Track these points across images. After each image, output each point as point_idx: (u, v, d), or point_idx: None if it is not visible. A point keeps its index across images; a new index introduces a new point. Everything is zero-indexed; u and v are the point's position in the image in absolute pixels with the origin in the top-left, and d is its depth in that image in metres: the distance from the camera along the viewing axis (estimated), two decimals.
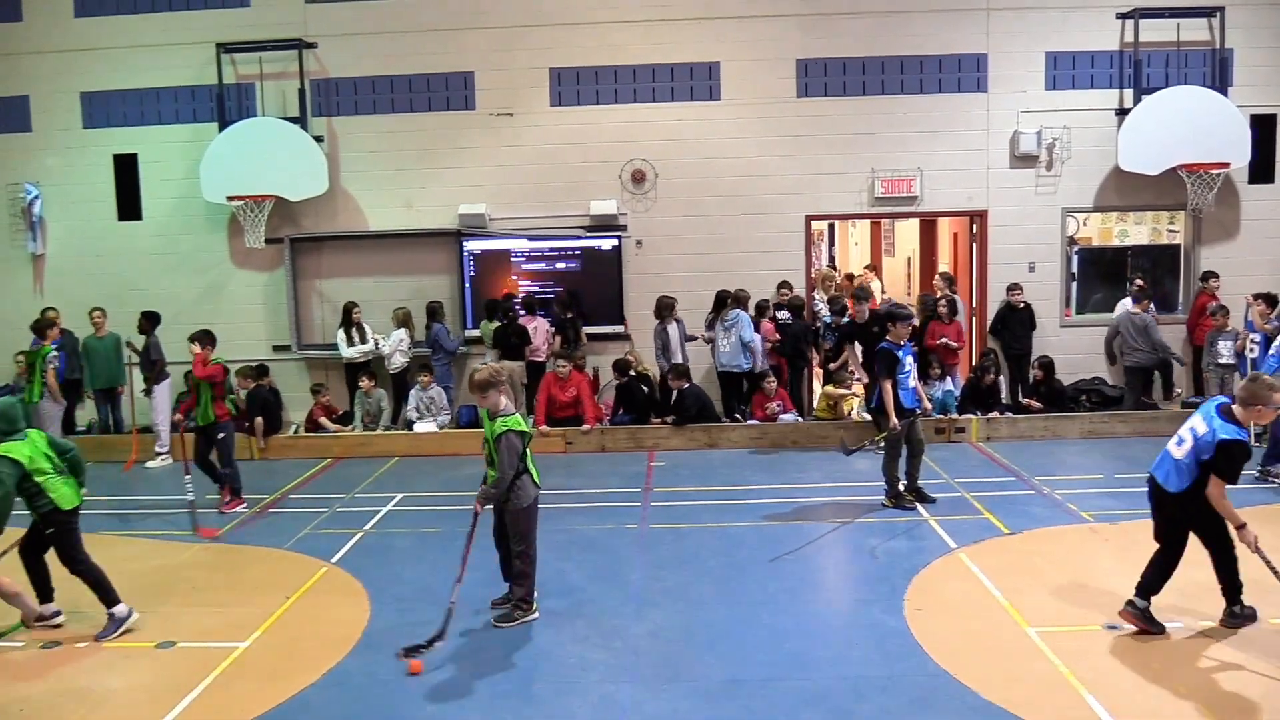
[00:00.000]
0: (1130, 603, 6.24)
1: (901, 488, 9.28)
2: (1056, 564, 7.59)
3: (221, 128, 13.32)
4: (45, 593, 6.89)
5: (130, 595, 7.46)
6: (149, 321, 12.43)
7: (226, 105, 13.45)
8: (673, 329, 12.61)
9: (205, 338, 10.07)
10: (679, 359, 12.59)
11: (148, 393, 12.24)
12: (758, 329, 12.50)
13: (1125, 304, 12.71)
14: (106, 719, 5.56)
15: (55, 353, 11.75)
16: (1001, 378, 12.73)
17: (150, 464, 12.16)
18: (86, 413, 13.28)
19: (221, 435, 9.99)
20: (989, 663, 5.90)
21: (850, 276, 18.15)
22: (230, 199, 13.06)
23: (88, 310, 12.80)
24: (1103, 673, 5.71)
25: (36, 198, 13.80)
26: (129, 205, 13.84)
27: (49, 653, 6.49)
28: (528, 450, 6.67)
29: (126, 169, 13.78)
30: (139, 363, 12.40)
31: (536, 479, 6.77)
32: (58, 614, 6.83)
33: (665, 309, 12.61)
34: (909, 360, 9.24)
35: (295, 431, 13.05)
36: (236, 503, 10.04)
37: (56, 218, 13.99)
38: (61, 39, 13.71)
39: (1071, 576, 7.28)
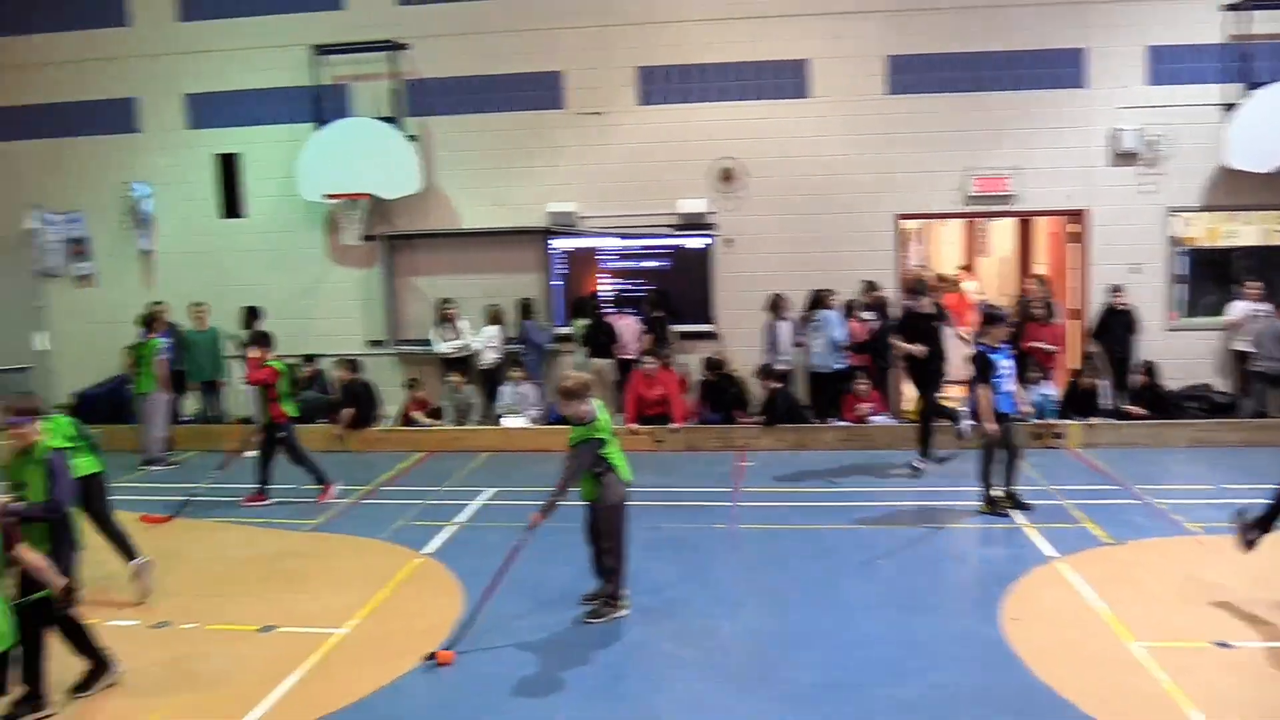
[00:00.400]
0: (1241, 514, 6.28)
1: (998, 494, 9.08)
2: (1161, 576, 7.35)
3: (318, 128, 13.65)
4: (128, 551, 7.38)
5: (233, 580, 7.74)
6: (252, 316, 12.83)
7: (322, 106, 13.77)
8: (783, 326, 12.53)
9: (261, 341, 10.29)
10: (788, 357, 12.51)
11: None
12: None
13: (1239, 306, 12.25)
14: (214, 699, 5.73)
15: (164, 344, 12.16)
16: (1103, 382, 12.37)
17: (250, 454, 12.49)
18: (191, 403, 13.72)
19: (282, 435, 10.12)
20: (1088, 676, 5.73)
21: (942, 278, 17.76)
22: (327, 197, 13.37)
23: (190, 304, 13.25)
24: (1211, 690, 5.49)
25: (146, 196, 14.32)
26: (232, 203, 14.28)
27: (158, 632, 6.73)
28: (613, 448, 6.70)
29: (229, 168, 14.22)
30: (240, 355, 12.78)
31: (626, 476, 6.78)
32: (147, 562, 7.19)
33: (777, 306, 12.53)
34: (1006, 364, 9.02)
35: (389, 425, 13.31)
36: (328, 493, 10.20)
37: (164, 215, 14.50)
38: (167, 43, 14.20)
39: (1177, 589, 7.04)
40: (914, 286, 11.13)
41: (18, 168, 14.70)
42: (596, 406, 6.77)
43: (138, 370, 12.14)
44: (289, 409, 10.22)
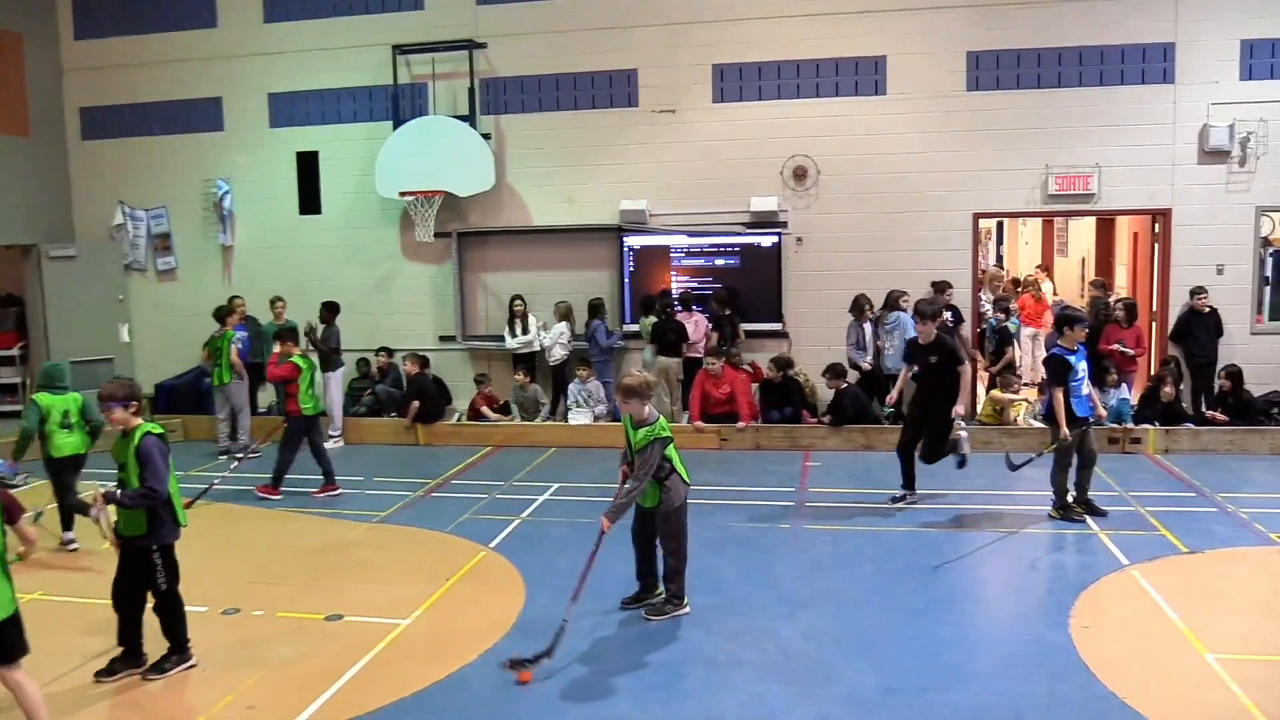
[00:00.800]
0: None
1: (1070, 499, 8.87)
2: (1240, 587, 7.12)
3: (395, 126, 13.85)
4: (65, 521, 8.45)
5: (301, 569, 7.90)
6: (329, 311, 13.12)
7: (400, 104, 13.98)
8: (868, 328, 12.42)
9: (287, 335, 10.46)
10: (869, 357, 12.42)
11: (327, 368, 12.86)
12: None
13: None
14: (279, 685, 5.86)
15: (239, 335, 12.48)
16: (1183, 387, 12.01)
17: (328, 446, 12.77)
18: (267, 395, 14.04)
19: (287, 427, 10.28)
20: (1161, 688, 5.57)
21: (1016, 281, 17.04)
22: (402, 194, 13.57)
23: (269, 299, 13.57)
24: None
25: (227, 193, 14.70)
26: (310, 200, 14.58)
27: (228, 618, 6.90)
28: (674, 450, 6.64)
29: (308, 165, 14.51)
30: (315, 349, 13.04)
31: (686, 477, 6.73)
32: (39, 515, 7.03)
33: (860, 307, 12.43)
34: (1082, 366, 8.80)
35: (458, 420, 13.47)
36: (271, 491, 10.21)
37: (244, 211, 14.87)
38: (252, 43, 14.55)
39: (1257, 601, 6.81)
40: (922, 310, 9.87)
41: (105, 165, 15.21)
42: (654, 409, 6.67)
43: (215, 362, 12.47)
44: (307, 406, 10.29)
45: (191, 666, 6.05)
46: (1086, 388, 8.83)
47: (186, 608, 6.08)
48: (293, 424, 10.28)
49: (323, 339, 12.89)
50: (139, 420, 5.91)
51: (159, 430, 5.95)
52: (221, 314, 12.67)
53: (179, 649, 6.05)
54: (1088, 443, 8.88)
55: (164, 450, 5.88)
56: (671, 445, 6.59)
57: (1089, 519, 8.74)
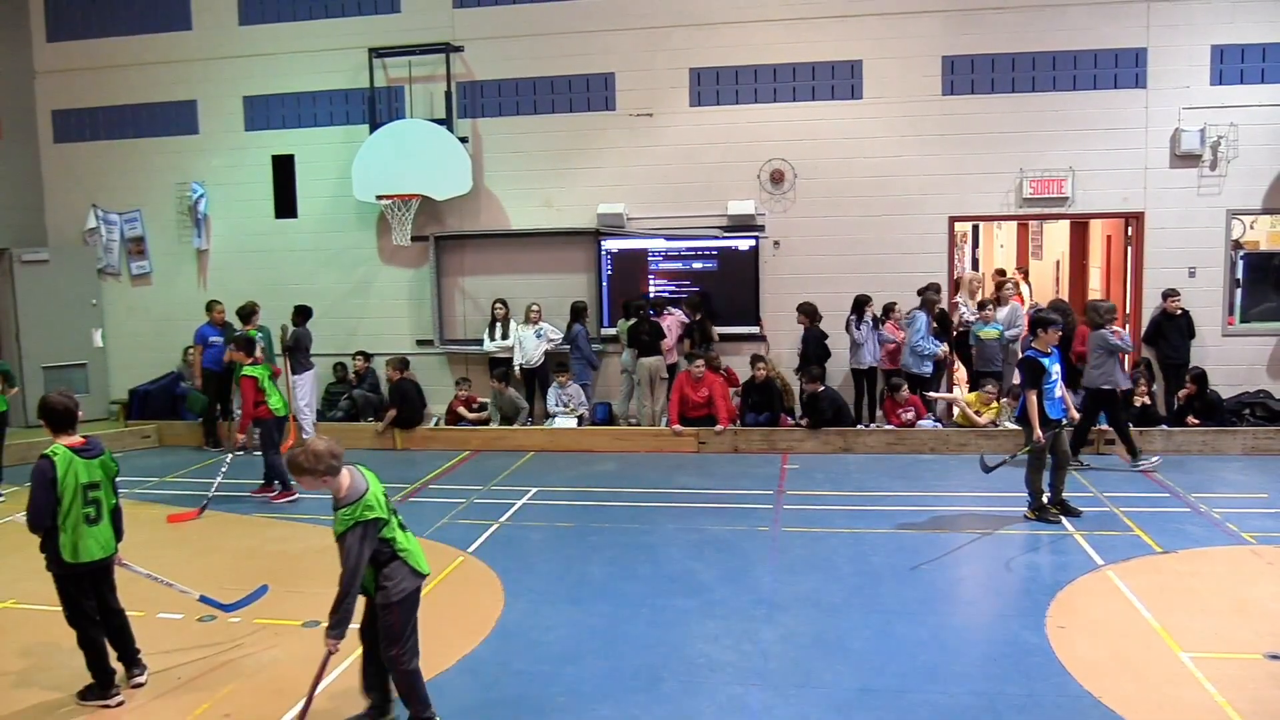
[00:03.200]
0: None
1: (1045, 500, 8.94)
2: (1213, 586, 7.19)
3: (372, 129, 13.80)
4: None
5: (278, 575, 7.81)
6: (300, 315, 13.02)
7: (377, 108, 13.93)
8: (866, 329, 12.45)
9: (241, 345, 10.51)
10: (867, 360, 12.48)
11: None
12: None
13: None
14: (256, 691, 5.82)
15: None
16: (1156, 389, 12.13)
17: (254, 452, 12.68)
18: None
19: (261, 430, 10.45)
20: (1136, 687, 5.62)
21: (1001, 272, 17.68)
22: (379, 198, 13.52)
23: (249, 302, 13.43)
24: (1261, 704, 5.36)
25: (202, 196, 14.59)
26: (286, 203, 14.50)
27: (204, 626, 6.84)
28: (396, 527, 5.28)
29: (284, 169, 14.44)
30: (284, 350, 12.98)
31: (418, 564, 5.29)
32: None
33: (860, 307, 12.46)
34: (1055, 369, 8.86)
35: (436, 424, 13.42)
36: (279, 495, 10.39)
37: (219, 215, 14.76)
38: (227, 46, 14.46)
39: (1230, 600, 6.88)
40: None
41: (78, 168, 15.08)
42: (363, 475, 5.29)
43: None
44: (277, 406, 10.42)
45: (108, 705, 5.69)
46: (1060, 390, 8.89)
47: (164, 615, 6.01)
48: (266, 426, 10.36)
49: (292, 340, 12.81)
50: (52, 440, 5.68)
51: (49, 453, 5.59)
52: (244, 314, 12.51)
53: (98, 685, 5.74)
54: (1061, 444, 8.96)
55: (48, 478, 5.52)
56: (394, 525, 5.25)
57: (1064, 520, 8.81)
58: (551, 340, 13.36)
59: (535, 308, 13.40)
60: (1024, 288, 16.58)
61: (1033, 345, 9.00)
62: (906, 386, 12.32)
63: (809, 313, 12.50)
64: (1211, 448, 11.49)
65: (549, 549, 8.55)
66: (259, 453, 10.71)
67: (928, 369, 12.33)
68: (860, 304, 12.41)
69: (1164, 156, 12.56)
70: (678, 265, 13.62)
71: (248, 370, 10.24)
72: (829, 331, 12.60)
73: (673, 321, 13.06)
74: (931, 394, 12.40)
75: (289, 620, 6.88)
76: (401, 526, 5.27)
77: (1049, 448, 8.81)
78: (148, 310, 15.03)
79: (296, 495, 10.29)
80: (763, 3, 13.14)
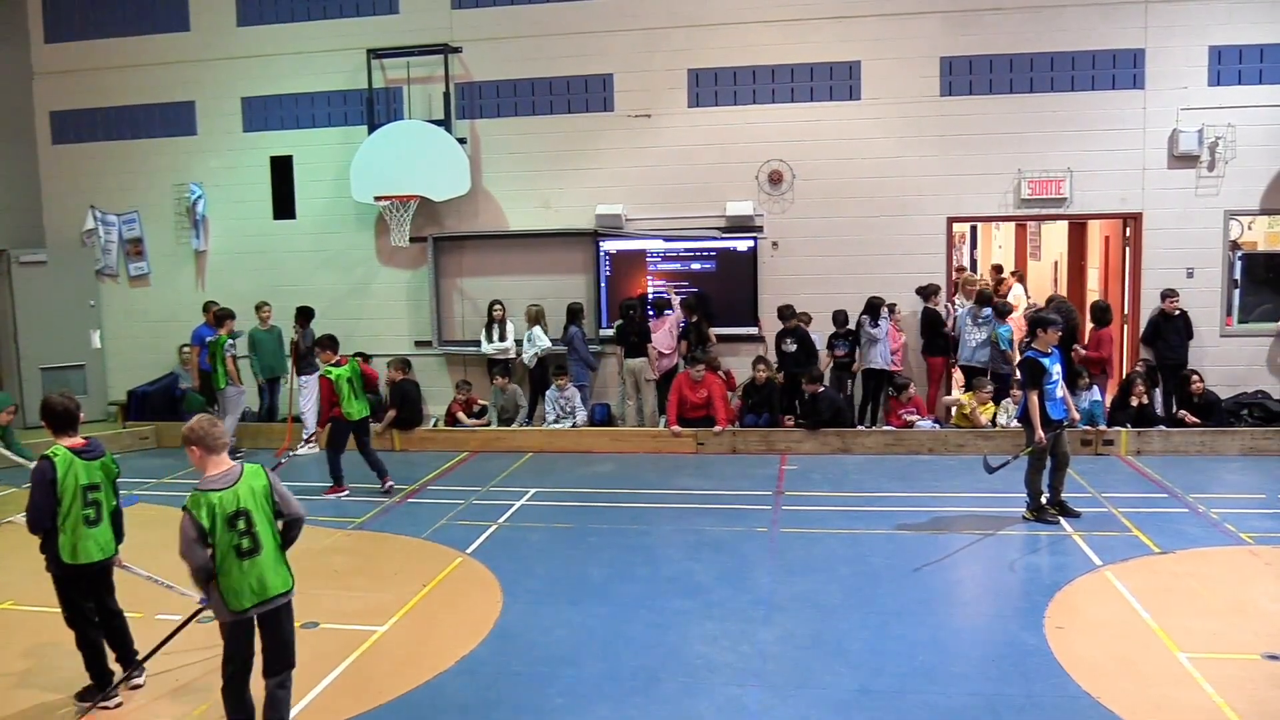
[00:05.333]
0: None
1: (1044, 501, 8.94)
2: (1211, 586, 7.20)
3: (370, 130, 13.80)
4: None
5: None
6: (303, 316, 13.03)
7: (375, 109, 13.93)
8: (880, 330, 12.46)
9: (325, 344, 10.82)
10: (878, 361, 12.50)
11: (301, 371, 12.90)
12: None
13: None
14: (255, 693, 5.80)
15: (231, 342, 12.36)
16: (1153, 389, 12.14)
17: (299, 451, 12.71)
18: (250, 401, 13.93)
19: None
20: (1134, 687, 5.63)
21: (998, 268, 17.95)
22: (378, 199, 13.52)
23: (254, 304, 13.46)
24: (1260, 705, 5.37)
25: (200, 197, 14.59)
26: (284, 204, 14.50)
27: (201, 627, 6.82)
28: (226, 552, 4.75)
29: (282, 170, 14.44)
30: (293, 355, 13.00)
31: (234, 604, 4.80)
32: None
33: (875, 308, 12.49)
34: (1056, 369, 8.84)
35: (435, 424, 13.42)
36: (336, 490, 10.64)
37: (218, 216, 14.76)
38: (225, 47, 14.45)
39: (1228, 600, 6.89)
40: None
41: (76, 170, 15.08)
42: (231, 476, 4.86)
43: (213, 367, 12.33)
44: (349, 411, 10.56)
45: (106, 706, 5.70)
46: (1061, 390, 8.89)
47: (163, 616, 6.01)
48: (338, 426, 10.61)
49: (312, 343, 12.80)
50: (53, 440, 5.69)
51: (49, 455, 5.59)
52: (219, 318, 12.49)
53: (96, 686, 5.76)
54: (1061, 445, 8.95)
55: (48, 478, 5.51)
56: (223, 542, 4.74)
57: (1063, 520, 8.81)
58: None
59: (534, 308, 13.41)
60: (1019, 288, 16.60)
61: (1033, 345, 8.95)
62: (913, 386, 12.35)
63: (797, 315, 12.65)
64: (1210, 448, 11.49)
65: (547, 550, 8.55)
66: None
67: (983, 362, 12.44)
68: (874, 306, 12.43)
69: (1162, 157, 12.57)
70: (676, 266, 13.62)
71: (328, 371, 10.46)
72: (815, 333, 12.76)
73: (670, 323, 13.05)
74: (947, 398, 12.46)
75: None
76: (239, 551, 4.76)
77: (1049, 448, 8.80)
78: (146, 311, 15.03)
79: (346, 491, 10.50)
80: (761, 4, 13.14)
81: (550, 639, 6.53)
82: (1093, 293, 15.29)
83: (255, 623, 4.87)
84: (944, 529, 8.83)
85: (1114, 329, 12.58)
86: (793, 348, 12.53)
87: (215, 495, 4.71)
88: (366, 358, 13.78)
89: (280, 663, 4.98)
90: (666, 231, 13.56)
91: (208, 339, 12.55)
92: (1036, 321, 9.10)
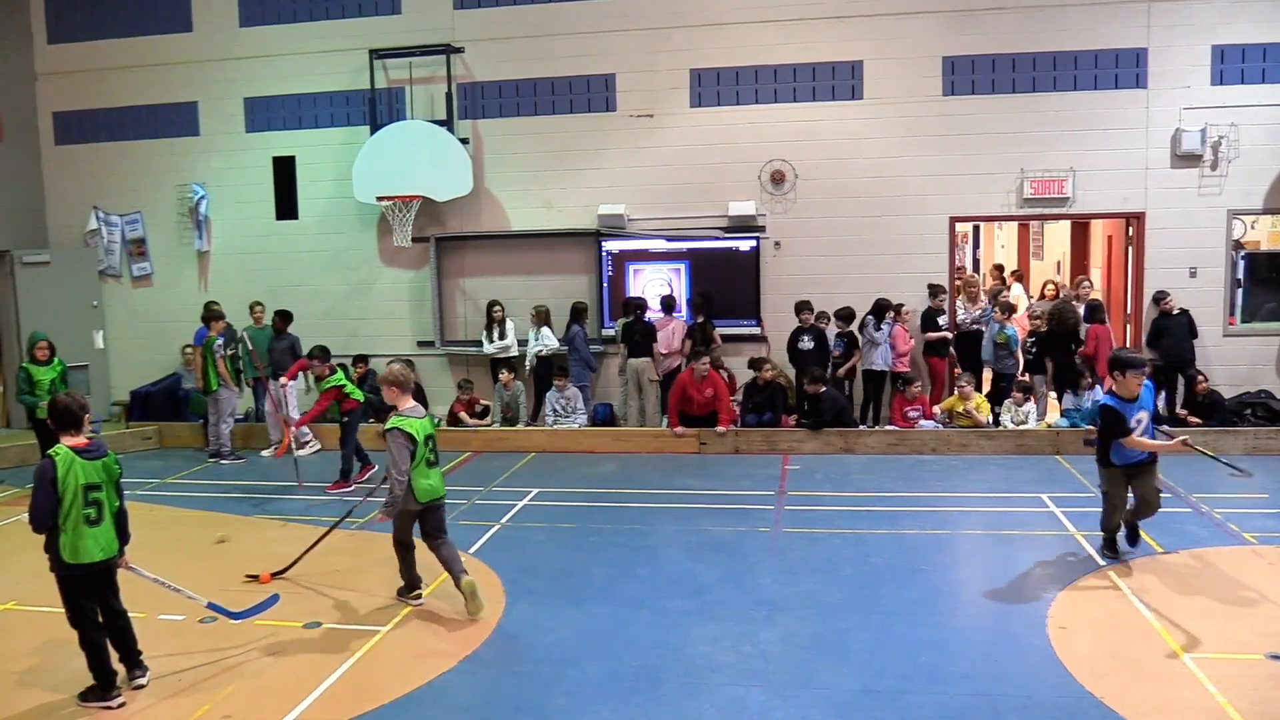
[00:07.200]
0: None
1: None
2: (1215, 586, 7.18)
3: (373, 131, 13.81)
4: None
5: (279, 577, 7.82)
6: (282, 319, 12.95)
7: (378, 109, 13.94)
8: (882, 333, 12.48)
9: (317, 354, 11.07)
10: (878, 363, 12.52)
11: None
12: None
13: None
14: (257, 692, 5.81)
15: (220, 342, 12.34)
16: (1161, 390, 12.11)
17: (300, 453, 12.68)
18: (244, 401, 13.93)
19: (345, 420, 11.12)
20: (1137, 688, 5.61)
21: (999, 268, 18.03)
22: (380, 199, 13.53)
23: (248, 304, 13.44)
24: (1265, 705, 5.35)
25: (203, 198, 14.61)
26: (286, 205, 14.52)
27: (204, 627, 6.84)
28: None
29: (285, 170, 14.46)
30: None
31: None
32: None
33: (881, 310, 12.50)
34: (1142, 416, 7.47)
35: (437, 424, 13.38)
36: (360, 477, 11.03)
37: (220, 216, 14.78)
38: (227, 48, 14.48)
39: (1232, 600, 6.87)
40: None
41: (79, 170, 15.10)
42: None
43: (204, 368, 12.34)
44: (360, 395, 11.13)
45: (109, 707, 5.68)
46: (1143, 436, 7.51)
47: (165, 616, 6.01)
48: (353, 417, 11.04)
49: (269, 348, 12.81)
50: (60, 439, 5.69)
51: (51, 454, 5.59)
52: (208, 318, 12.43)
53: (99, 686, 5.72)
54: (1142, 485, 7.67)
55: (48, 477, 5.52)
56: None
57: (1065, 520, 8.78)
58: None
59: (542, 308, 13.45)
60: (1017, 288, 16.58)
61: (1113, 389, 7.62)
62: (919, 385, 12.38)
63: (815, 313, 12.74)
64: (1212, 448, 11.43)
65: (550, 550, 8.54)
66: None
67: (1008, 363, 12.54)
68: (881, 308, 12.44)
69: (1164, 157, 12.56)
70: (678, 265, 13.60)
71: (327, 383, 10.83)
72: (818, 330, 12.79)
73: (676, 325, 13.04)
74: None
75: (290, 622, 6.87)
76: (429, 463, 6.93)
77: (1125, 483, 7.64)
78: (149, 312, 15.05)
79: (352, 486, 10.71)
80: (763, 3, 13.14)
81: (552, 639, 6.53)
82: (1096, 293, 15.25)
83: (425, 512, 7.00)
84: (946, 528, 8.82)
85: (1112, 327, 12.57)
86: (810, 345, 12.50)
87: (415, 421, 6.88)
88: (366, 360, 13.82)
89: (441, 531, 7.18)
90: (669, 231, 13.56)
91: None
92: (1115, 363, 7.61)
